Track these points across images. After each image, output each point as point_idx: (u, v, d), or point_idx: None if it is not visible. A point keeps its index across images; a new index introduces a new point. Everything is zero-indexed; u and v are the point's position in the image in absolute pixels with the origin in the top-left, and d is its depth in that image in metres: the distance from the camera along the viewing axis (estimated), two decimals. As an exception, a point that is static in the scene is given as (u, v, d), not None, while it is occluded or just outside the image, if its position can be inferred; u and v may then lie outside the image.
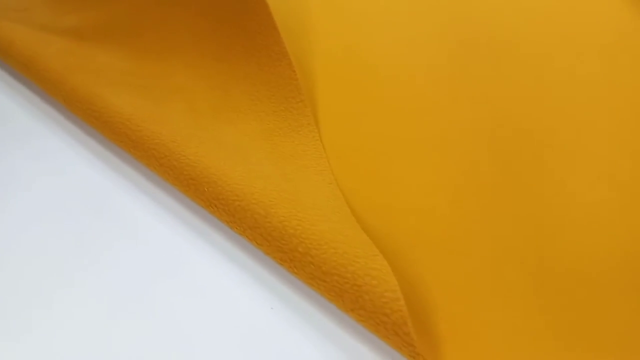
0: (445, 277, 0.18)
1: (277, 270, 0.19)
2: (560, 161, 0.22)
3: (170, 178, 0.20)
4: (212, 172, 0.19)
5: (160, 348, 0.17)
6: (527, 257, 0.19)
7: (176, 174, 0.20)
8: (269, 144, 0.22)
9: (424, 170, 0.22)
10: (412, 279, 0.18)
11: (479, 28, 0.29)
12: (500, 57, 0.27)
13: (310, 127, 0.23)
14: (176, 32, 0.27)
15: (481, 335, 0.16)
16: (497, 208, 0.20)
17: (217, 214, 0.19)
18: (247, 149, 0.22)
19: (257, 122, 0.23)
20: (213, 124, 0.23)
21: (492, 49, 0.28)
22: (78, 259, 0.19)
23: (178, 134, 0.21)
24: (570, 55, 0.27)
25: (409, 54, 0.28)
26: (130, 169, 0.23)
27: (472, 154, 0.23)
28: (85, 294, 0.18)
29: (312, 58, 0.28)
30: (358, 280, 0.16)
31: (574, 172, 0.22)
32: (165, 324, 0.17)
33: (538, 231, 0.19)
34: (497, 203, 0.21)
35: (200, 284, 0.18)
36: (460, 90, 0.26)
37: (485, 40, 0.28)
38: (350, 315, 0.16)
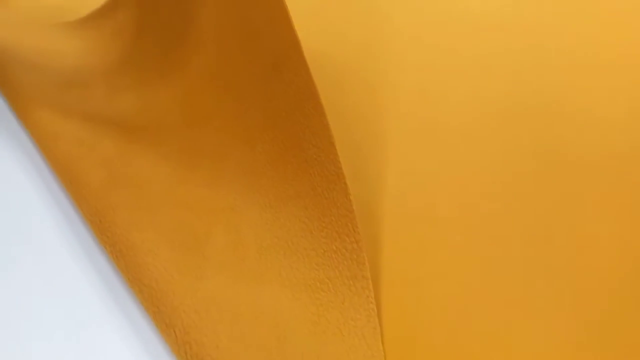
0: None
1: None
2: None
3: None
4: None
5: None
6: None
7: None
8: (314, 306, 0.19)
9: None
10: None
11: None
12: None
13: (364, 281, 0.19)
14: (231, 126, 0.24)
15: None
16: None
17: None
18: (285, 319, 0.19)
19: (306, 266, 0.20)
20: (255, 270, 0.20)
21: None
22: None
23: (204, 303, 0.19)
24: None
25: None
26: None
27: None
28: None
29: (379, 191, 0.23)
30: None
31: None
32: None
33: None
34: None
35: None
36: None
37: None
38: None
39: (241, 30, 0.24)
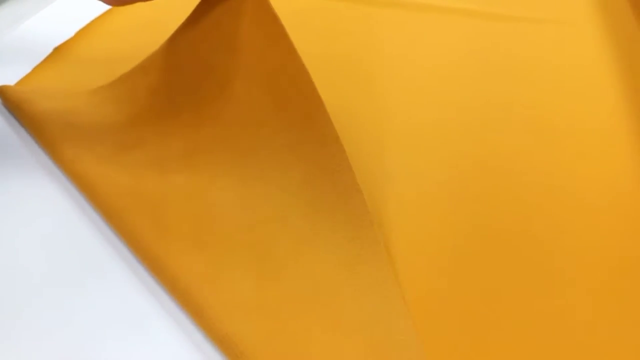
0: None
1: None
2: None
3: None
4: None
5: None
6: None
7: None
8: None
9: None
10: None
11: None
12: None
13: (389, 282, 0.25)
14: (268, 160, 0.30)
15: None
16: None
17: None
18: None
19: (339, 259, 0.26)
20: (302, 316, 0.24)
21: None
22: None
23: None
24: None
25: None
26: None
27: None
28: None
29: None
30: None
31: None
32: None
33: None
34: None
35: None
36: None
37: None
38: None
39: (271, 94, 0.30)
